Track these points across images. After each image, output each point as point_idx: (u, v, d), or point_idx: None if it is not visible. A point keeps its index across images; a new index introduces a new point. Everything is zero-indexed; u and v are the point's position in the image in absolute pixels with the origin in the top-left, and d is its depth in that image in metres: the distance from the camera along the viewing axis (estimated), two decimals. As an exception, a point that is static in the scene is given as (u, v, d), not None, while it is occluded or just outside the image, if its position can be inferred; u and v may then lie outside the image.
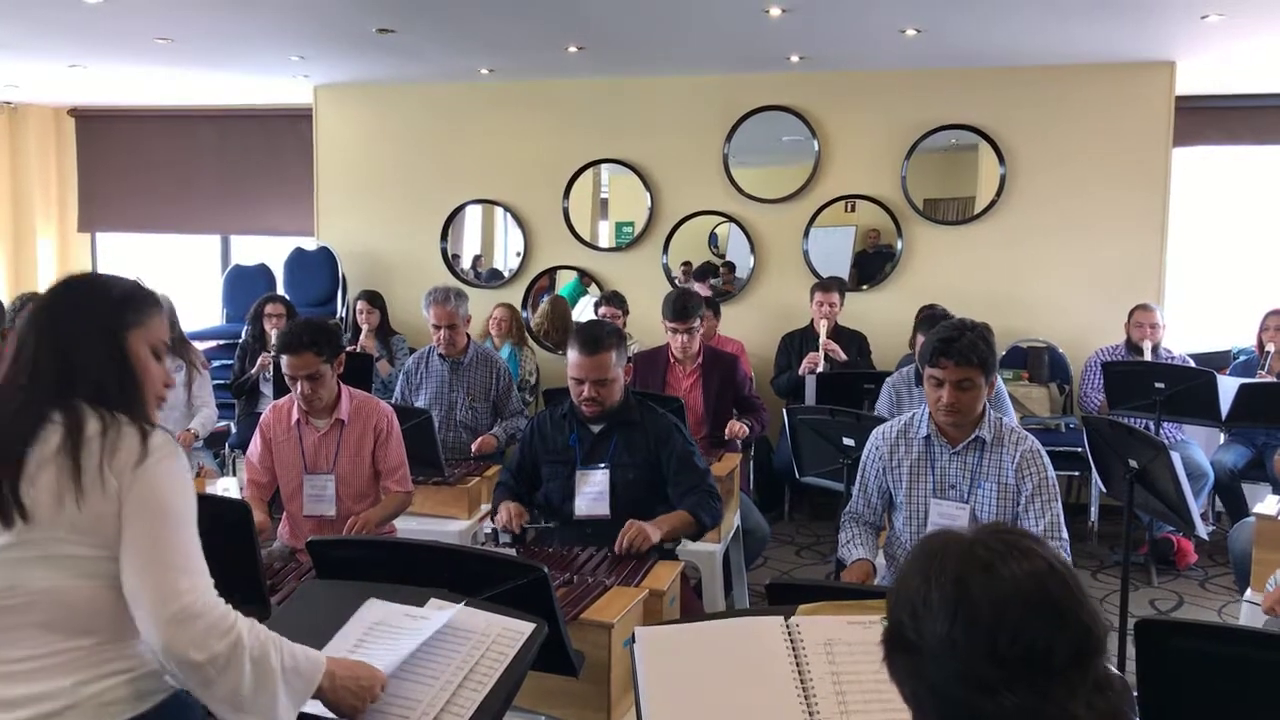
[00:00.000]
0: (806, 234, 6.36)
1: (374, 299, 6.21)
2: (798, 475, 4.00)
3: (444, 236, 6.91)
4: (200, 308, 7.46)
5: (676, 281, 6.48)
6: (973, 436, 2.85)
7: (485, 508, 4.02)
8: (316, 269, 6.95)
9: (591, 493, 3.16)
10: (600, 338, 3.17)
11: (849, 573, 2.85)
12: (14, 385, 1.69)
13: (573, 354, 3.18)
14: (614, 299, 5.98)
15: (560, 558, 2.86)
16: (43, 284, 8.02)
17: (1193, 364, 5.17)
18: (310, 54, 5.92)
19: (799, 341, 5.82)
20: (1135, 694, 1.82)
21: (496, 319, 6.15)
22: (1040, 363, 5.84)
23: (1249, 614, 3.22)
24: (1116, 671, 1.19)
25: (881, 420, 3.19)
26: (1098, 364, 5.29)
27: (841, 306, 5.73)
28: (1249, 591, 3.30)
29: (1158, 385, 4.71)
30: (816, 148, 6.28)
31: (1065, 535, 2.77)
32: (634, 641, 1.81)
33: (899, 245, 6.23)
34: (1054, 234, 6.02)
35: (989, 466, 2.84)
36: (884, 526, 3.11)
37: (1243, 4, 4.43)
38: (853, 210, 6.35)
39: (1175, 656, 1.78)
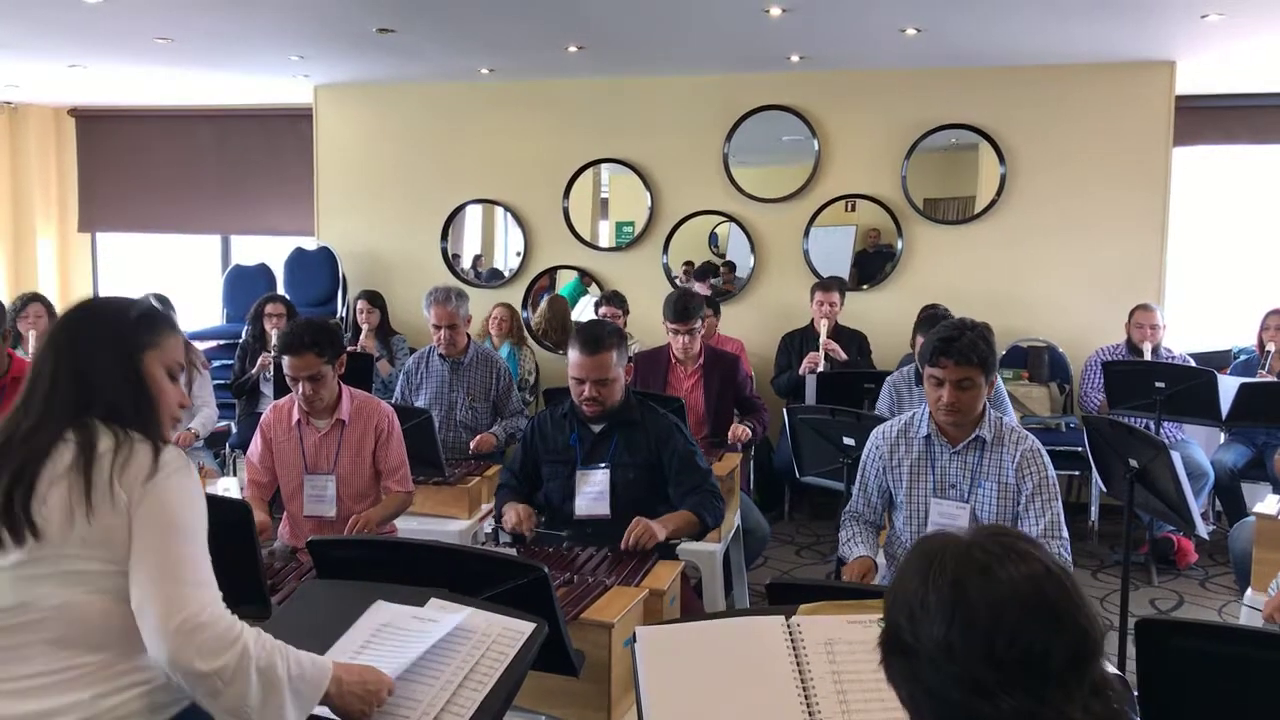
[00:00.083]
0: (807, 233, 6.36)
1: (374, 299, 6.21)
2: (798, 475, 4.00)
3: (444, 236, 6.92)
4: (200, 308, 7.46)
5: (677, 281, 6.48)
6: (973, 436, 2.85)
7: (486, 507, 4.03)
8: (317, 269, 6.95)
9: (592, 492, 3.16)
10: (601, 337, 3.17)
11: (850, 568, 2.86)
12: (31, 406, 1.72)
13: (573, 354, 3.18)
14: (614, 299, 5.98)
15: (560, 557, 2.86)
16: (43, 284, 8.03)
17: (1193, 363, 5.17)
18: (310, 54, 5.92)
19: (799, 341, 5.83)
20: (1136, 694, 1.82)
21: (496, 318, 6.15)
22: (1040, 362, 5.84)
23: (1249, 614, 3.22)
24: (1116, 671, 1.19)
25: (882, 420, 3.20)
26: (1098, 363, 5.29)
27: (842, 306, 5.73)
28: (1249, 591, 3.30)
29: (1158, 385, 4.71)
30: (816, 147, 6.28)
31: (1065, 535, 2.77)
32: (634, 641, 1.81)
33: (899, 245, 6.24)
34: (1054, 234, 6.02)
35: (989, 466, 2.84)
36: (884, 526, 3.11)
37: (1242, 4, 4.43)
38: (853, 210, 6.35)
39: (1176, 656, 1.78)
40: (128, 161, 8.21)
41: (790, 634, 1.79)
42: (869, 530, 3.03)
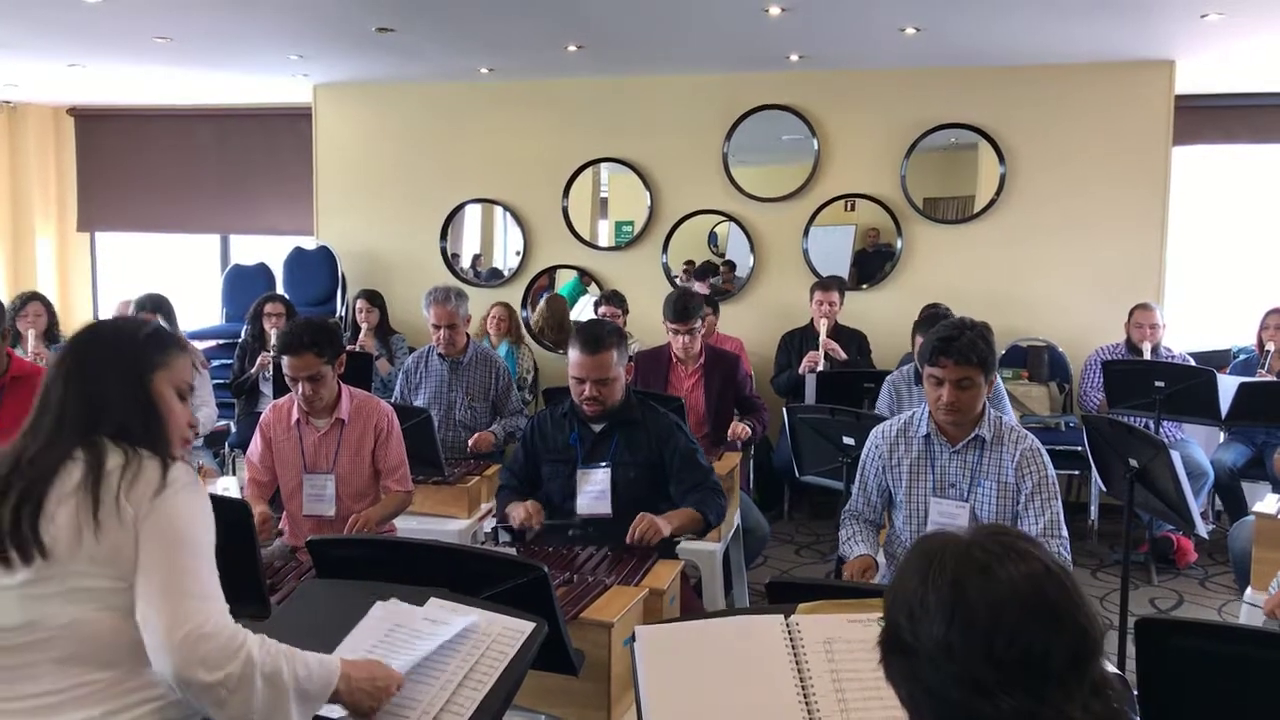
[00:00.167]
0: (806, 233, 6.36)
1: (373, 298, 6.22)
2: (798, 474, 4.00)
3: (444, 235, 6.91)
4: (200, 307, 7.46)
5: (677, 281, 6.48)
6: (972, 435, 2.85)
7: (485, 507, 4.03)
8: (316, 268, 6.95)
9: (593, 491, 3.16)
10: (601, 337, 3.17)
11: (850, 566, 2.86)
12: (40, 426, 1.74)
13: (574, 353, 3.18)
14: (613, 298, 5.98)
15: (560, 557, 2.86)
16: (42, 283, 8.03)
17: (1193, 363, 5.17)
18: (310, 53, 5.91)
19: (799, 340, 5.83)
20: (1135, 693, 1.82)
21: (494, 318, 6.15)
22: (1040, 362, 5.85)
23: (1249, 613, 3.22)
24: (1116, 671, 1.19)
25: (881, 419, 3.20)
26: (1098, 363, 5.29)
27: (841, 305, 5.73)
28: (1249, 590, 3.30)
29: (1158, 384, 4.71)
30: (816, 147, 6.28)
31: (1065, 534, 2.77)
32: (634, 640, 1.81)
33: (899, 244, 6.23)
34: (1054, 233, 6.02)
35: (989, 465, 2.84)
36: (884, 525, 3.11)
37: (1242, 3, 4.43)
38: (852, 209, 6.35)
39: (1175, 655, 1.78)
40: (127, 161, 8.21)
41: (789, 633, 1.79)
42: (869, 529, 3.03)
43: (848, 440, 3.57)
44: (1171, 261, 5.99)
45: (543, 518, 3.11)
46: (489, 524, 4.05)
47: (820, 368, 5.36)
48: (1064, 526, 2.78)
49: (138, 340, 1.80)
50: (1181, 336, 5.87)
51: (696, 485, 3.17)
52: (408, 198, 6.96)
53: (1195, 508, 3.28)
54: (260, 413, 3.86)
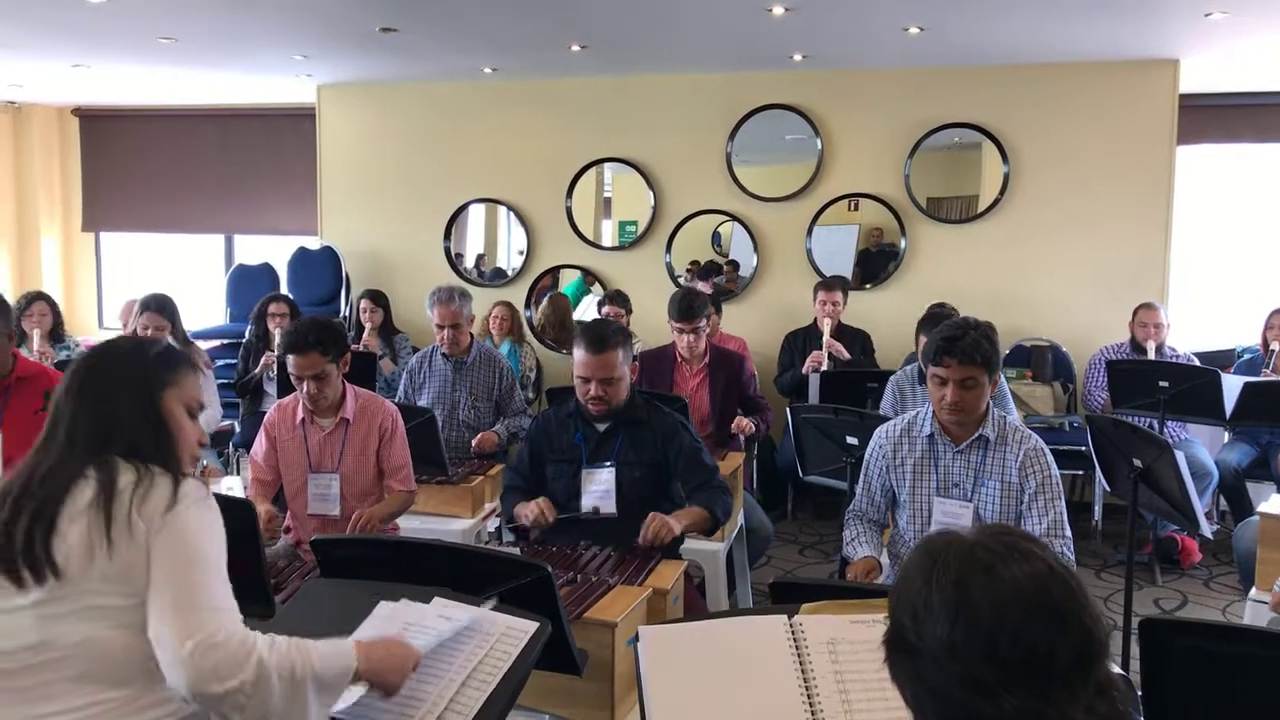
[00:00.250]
0: (810, 233, 6.36)
1: (377, 298, 6.22)
2: (801, 474, 4.00)
3: (447, 235, 6.92)
4: (204, 307, 7.47)
5: (681, 280, 6.48)
6: (976, 435, 2.85)
7: (489, 506, 4.03)
8: (320, 268, 6.95)
9: (598, 491, 3.16)
10: (607, 336, 3.18)
11: (854, 568, 2.86)
12: (51, 445, 1.75)
13: (579, 353, 3.18)
14: (617, 298, 5.98)
15: (564, 557, 2.86)
16: (47, 283, 8.05)
17: (1197, 363, 5.16)
18: (313, 53, 5.92)
19: (802, 340, 5.82)
20: (1139, 693, 1.82)
21: (496, 317, 6.16)
22: (1044, 361, 5.84)
23: (1253, 613, 3.21)
24: (1120, 671, 1.19)
25: (885, 419, 3.19)
26: (1102, 362, 5.28)
27: (845, 305, 5.73)
28: (1253, 590, 3.30)
29: (1162, 384, 4.70)
30: (819, 146, 6.28)
31: (1068, 534, 2.77)
32: (637, 640, 1.81)
33: (902, 244, 6.23)
34: (1058, 232, 6.01)
35: (992, 465, 2.84)
36: (888, 524, 3.11)
37: (1246, 2, 4.42)
38: (856, 209, 6.35)
39: (1180, 656, 1.78)
40: (131, 161, 8.22)
41: (793, 633, 1.79)
42: (873, 529, 3.03)
43: (851, 440, 3.57)
44: (1176, 261, 5.99)
45: (555, 514, 3.10)
46: (492, 524, 4.05)
47: (824, 367, 5.36)
48: (1067, 527, 2.78)
49: (148, 359, 1.83)
50: (1186, 336, 5.86)
51: (703, 484, 3.18)
52: (411, 198, 6.96)
53: (1199, 508, 3.27)
54: (264, 412, 3.87)
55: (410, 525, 3.60)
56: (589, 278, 6.78)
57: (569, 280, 6.87)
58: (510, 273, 6.92)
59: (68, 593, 1.64)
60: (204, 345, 5.87)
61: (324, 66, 6.34)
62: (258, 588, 2.42)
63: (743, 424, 4.47)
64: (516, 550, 2.97)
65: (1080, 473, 5.47)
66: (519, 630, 1.83)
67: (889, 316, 6.04)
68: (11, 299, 5.10)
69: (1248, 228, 6.65)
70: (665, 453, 3.21)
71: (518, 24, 5.09)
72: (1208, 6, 4.52)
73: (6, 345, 3.13)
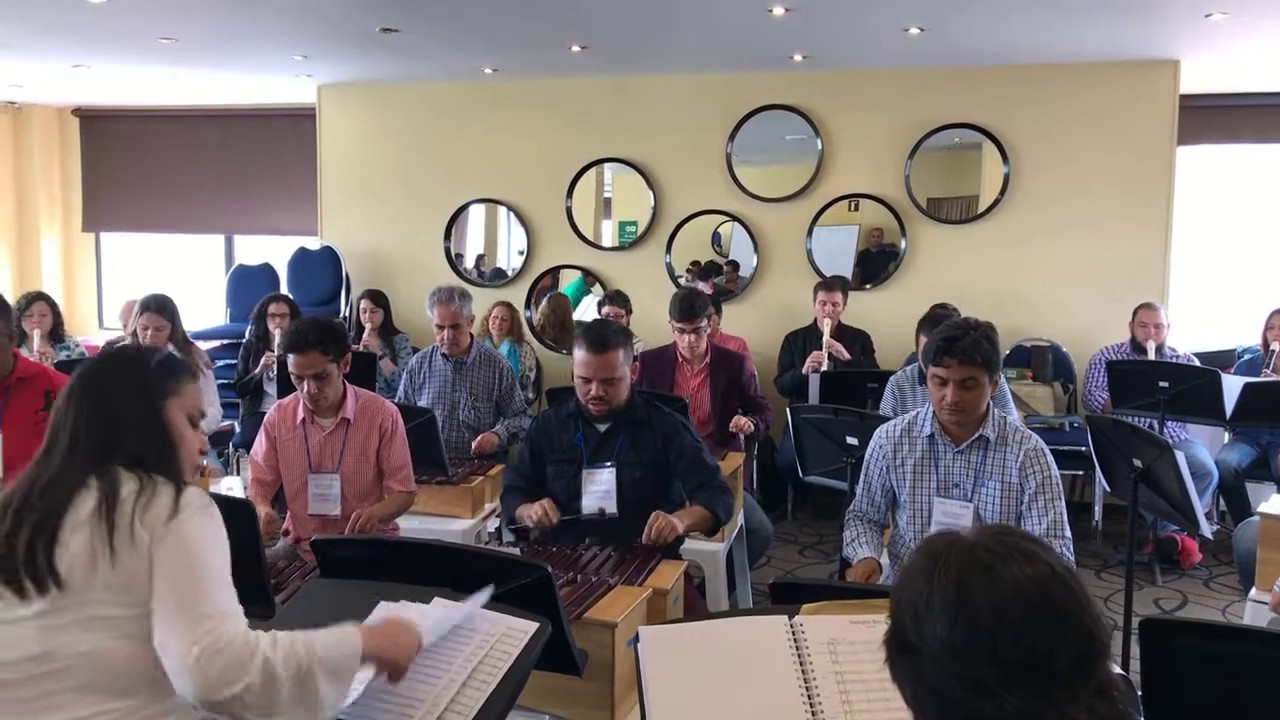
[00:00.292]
0: (810, 233, 6.36)
1: (377, 298, 6.22)
2: (801, 474, 4.00)
3: (447, 236, 6.92)
4: (204, 307, 7.47)
5: (681, 281, 6.48)
6: (976, 435, 2.85)
7: (489, 507, 4.03)
8: (320, 268, 6.95)
9: (598, 491, 3.16)
10: (608, 337, 3.18)
11: (854, 571, 2.85)
12: (53, 456, 1.75)
13: (580, 353, 3.18)
14: (617, 298, 5.98)
15: (564, 557, 2.86)
16: (47, 283, 8.05)
17: (1197, 363, 5.16)
18: (313, 53, 5.92)
19: (802, 340, 5.82)
20: (1139, 693, 1.82)
21: (496, 317, 6.16)
22: (1044, 362, 5.84)
23: (1253, 613, 3.21)
24: (1120, 672, 1.19)
25: (885, 419, 3.19)
26: (1102, 363, 5.28)
27: (845, 305, 5.73)
28: (1253, 591, 3.30)
29: (1162, 384, 4.70)
30: (820, 147, 6.28)
31: (1068, 534, 2.77)
32: (637, 640, 1.81)
33: (902, 244, 6.23)
34: (1058, 233, 6.01)
35: (993, 465, 2.84)
36: (888, 524, 3.11)
37: (1246, 3, 4.42)
38: (856, 209, 6.35)
39: (1180, 656, 1.78)
40: (131, 161, 8.22)
41: (793, 634, 1.79)
42: (873, 530, 3.03)
43: (851, 440, 3.57)
44: (1176, 261, 5.99)
45: (559, 515, 3.09)
46: (492, 524, 4.05)
47: (824, 368, 5.36)
48: (1067, 527, 2.78)
49: (149, 368, 1.83)
50: (1186, 337, 5.86)
51: (704, 484, 3.18)
52: (411, 198, 6.96)
53: (1199, 508, 3.27)
54: (264, 412, 3.87)
55: (410, 525, 3.60)
56: (589, 278, 6.78)
57: (569, 280, 6.87)
58: (510, 273, 6.92)
59: (70, 603, 1.64)
60: (204, 345, 5.87)
61: (324, 67, 6.34)
62: (258, 588, 2.42)
63: (740, 423, 4.46)
64: (516, 551, 2.97)
65: (1080, 473, 5.47)
66: (519, 630, 1.83)
67: (889, 317, 6.04)
68: (11, 299, 5.10)
69: (1248, 228, 6.65)
70: (666, 453, 3.21)
71: (518, 24, 5.09)
72: (1208, 7, 4.52)
73: (7, 345, 3.12)
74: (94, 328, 8.45)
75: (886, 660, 1.22)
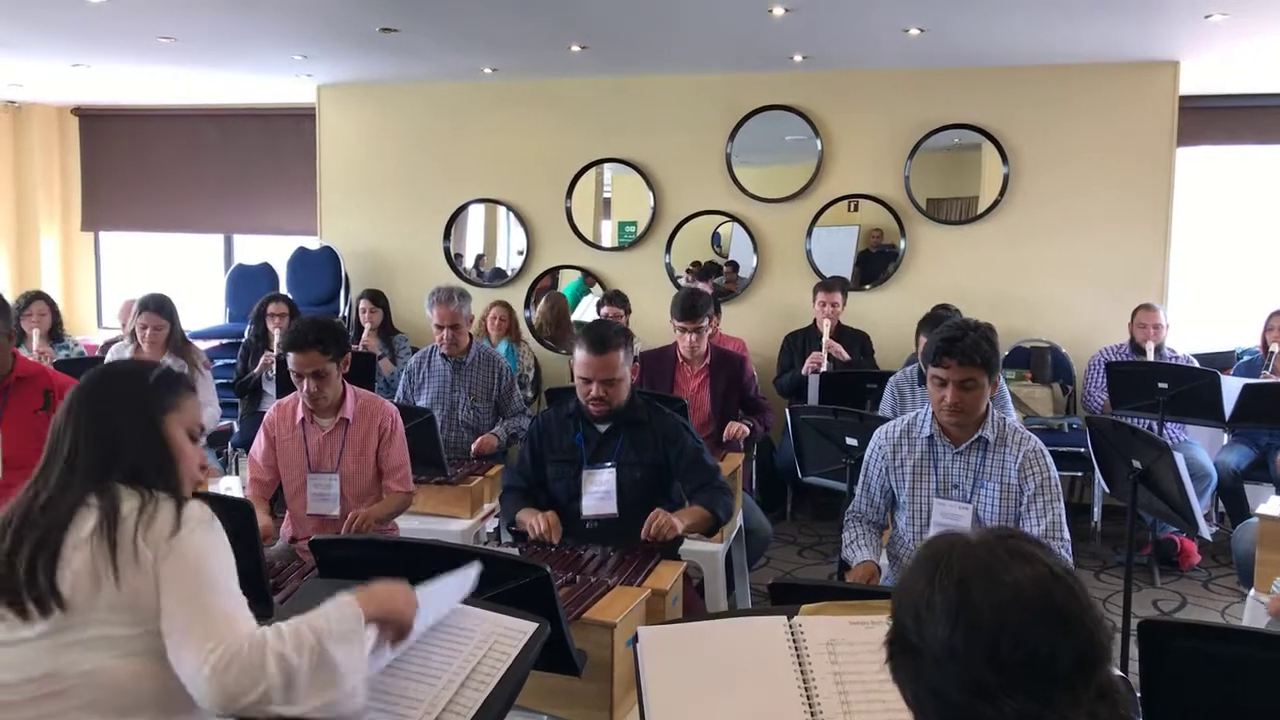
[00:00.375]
0: (809, 233, 6.36)
1: (377, 298, 6.22)
2: (800, 475, 4.00)
3: (447, 236, 6.92)
4: (203, 307, 7.47)
5: (681, 281, 6.48)
6: (976, 436, 2.85)
7: (488, 507, 4.03)
8: (319, 268, 6.95)
9: (598, 492, 3.16)
10: (608, 337, 3.17)
11: (854, 574, 2.85)
12: (51, 473, 1.73)
13: (581, 353, 3.17)
14: (616, 298, 5.98)
15: (563, 557, 2.86)
16: (46, 283, 8.04)
17: (1196, 364, 5.16)
18: (313, 53, 5.92)
19: (802, 341, 5.82)
20: (1138, 695, 1.82)
21: (494, 318, 6.15)
22: (1043, 363, 5.84)
23: (1252, 615, 3.22)
24: (1119, 673, 1.19)
25: (884, 420, 3.19)
26: (1101, 364, 5.28)
27: (844, 306, 5.73)
28: (1252, 592, 3.30)
29: (1161, 385, 4.70)
30: (819, 147, 6.28)
31: (1067, 536, 2.77)
32: (636, 641, 1.81)
33: (902, 245, 6.23)
34: (1057, 234, 6.01)
35: (992, 467, 2.84)
36: (887, 525, 3.11)
37: (1246, 4, 4.42)
38: (856, 210, 6.35)
39: (1178, 657, 1.78)
40: (131, 161, 8.22)
41: (792, 634, 1.79)
42: (872, 531, 3.03)
43: (851, 441, 3.57)
44: (1175, 262, 5.99)
45: (560, 532, 3.07)
46: (491, 524, 4.05)
47: (823, 368, 5.36)
48: (1066, 528, 2.78)
49: (148, 383, 1.81)
50: (1185, 338, 5.87)
51: (704, 484, 3.18)
52: (411, 198, 6.96)
53: (1199, 510, 3.27)
54: (263, 412, 3.87)
55: (409, 525, 3.60)
56: (589, 278, 6.78)
57: (569, 281, 6.87)
58: (510, 273, 6.92)
59: (74, 623, 1.63)
60: (203, 345, 5.86)
61: (324, 66, 6.34)
62: (256, 588, 2.42)
63: (733, 430, 4.44)
64: (515, 551, 2.97)
65: (1079, 474, 5.47)
66: (517, 631, 1.83)
67: (888, 317, 6.04)
68: (11, 298, 5.11)
69: (1247, 229, 6.66)
70: (666, 454, 3.21)
71: (518, 24, 5.09)
72: (1208, 8, 4.52)
73: (6, 345, 3.12)
74: (93, 327, 8.44)
75: (887, 660, 1.22)
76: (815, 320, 5.75)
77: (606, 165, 6.69)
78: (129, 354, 4.77)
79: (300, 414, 3.41)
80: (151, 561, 1.64)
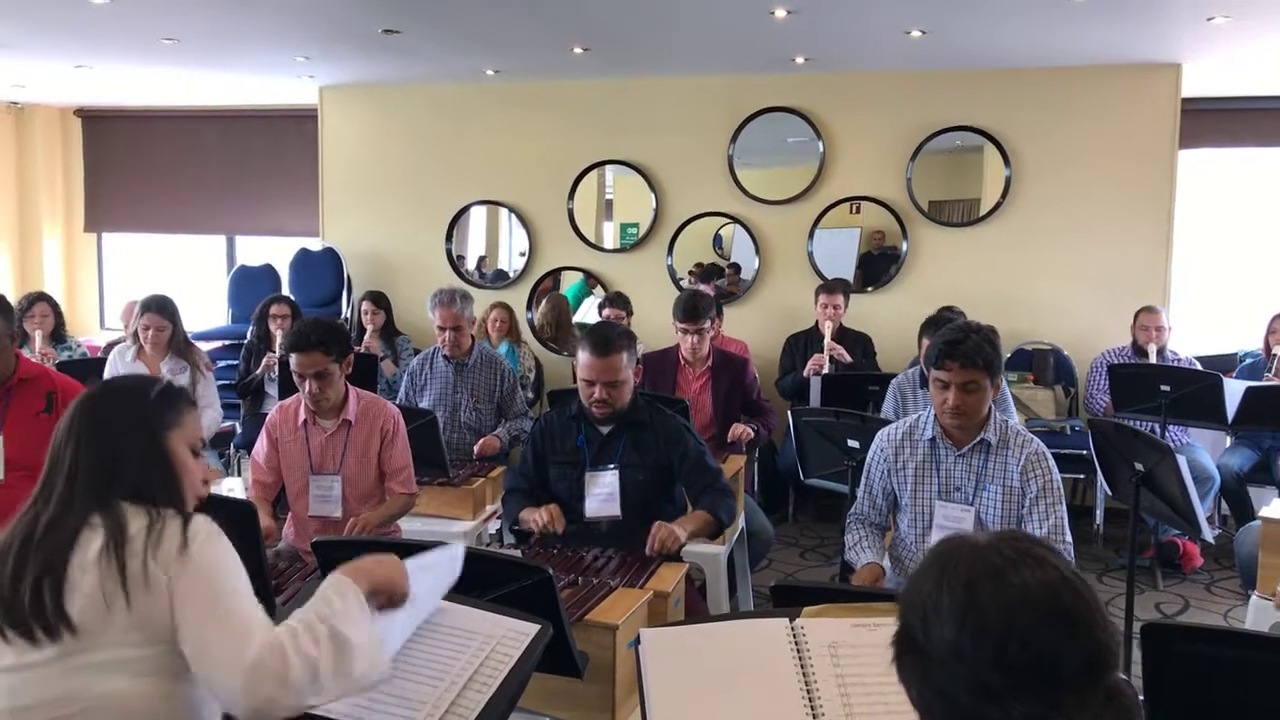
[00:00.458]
0: (811, 235, 6.36)
1: (379, 299, 6.22)
2: (802, 477, 3.99)
3: (449, 237, 6.92)
4: (205, 308, 7.47)
5: (683, 283, 6.48)
6: (978, 439, 2.85)
7: (490, 508, 4.03)
8: (321, 269, 6.96)
9: (601, 494, 3.16)
10: (612, 339, 3.17)
11: (859, 577, 2.85)
12: (50, 493, 1.71)
13: (584, 355, 3.17)
14: (618, 300, 5.98)
15: (565, 559, 2.86)
16: (49, 284, 8.05)
17: (1199, 367, 5.16)
18: (315, 55, 5.92)
19: (804, 343, 5.82)
20: (1141, 698, 1.81)
21: (495, 320, 6.15)
22: (1045, 365, 5.83)
23: (1255, 617, 3.21)
24: (1121, 676, 1.18)
25: (886, 422, 3.19)
26: (1103, 366, 5.28)
27: (846, 308, 5.73)
28: (1255, 595, 3.30)
29: (1163, 388, 4.70)
30: (821, 149, 6.28)
31: (1069, 538, 2.77)
32: (639, 643, 1.81)
33: (904, 247, 6.23)
34: (1059, 236, 6.01)
35: (994, 469, 2.84)
36: (890, 527, 3.11)
37: (1248, 6, 4.42)
38: (858, 212, 6.35)
39: (1181, 661, 1.78)
40: (133, 162, 8.23)
41: (794, 636, 1.79)
42: (875, 533, 3.03)
43: (852, 443, 3.57)
44: (1177, 265, 5.98)
45: (564, 521, 3.07)
46: (494, 525, 4.05)
47: (825, 370, 5.36)
48: (1068, 531, 2.78)
49: (149, 399, 1.78)
50: (1187, 340, 5.86)
51: (708, 487, 3.18)
52: (413, 199, 6.97)
53: (1201, 512, 3.27)
54: (265, 414, 3.87)
55: (411, 527, 3.60)
56: (591, 280, 6.78)
57: (571, 282, 6.88)
58: (512, 274, 6.92)
59: (85, 646, 1.62)
60: (205, 346, 5.87)
61: (326, 68, 6.35)
62: (259, 589, 2.41)
63: (737, 431, 4.44)
64: (518, 553, 2.97)
65: (1082, 477, 5.47)
66: (520, 633, 1.83)
67: (890, 319, 6.04)
68: (13, 300, 5.11)
69: (1249, 232, 6.65)
70: (669, 456, 3.21)
71: (520, 26, 5.10)
72: (1210, 10, 4.52)
73: (8, 347, 3.12)
74: (95, 328, 8.45)
75: (894, 660, 1.22)
76: (817, 322, 5.75)
77: (608, 167, 6.69)
78: (131, 355, 4.77)
79: (302, 415, 3.41)
80: (165, 582, 1.63)
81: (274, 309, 5.79)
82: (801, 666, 1.75)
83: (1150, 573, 4.91)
